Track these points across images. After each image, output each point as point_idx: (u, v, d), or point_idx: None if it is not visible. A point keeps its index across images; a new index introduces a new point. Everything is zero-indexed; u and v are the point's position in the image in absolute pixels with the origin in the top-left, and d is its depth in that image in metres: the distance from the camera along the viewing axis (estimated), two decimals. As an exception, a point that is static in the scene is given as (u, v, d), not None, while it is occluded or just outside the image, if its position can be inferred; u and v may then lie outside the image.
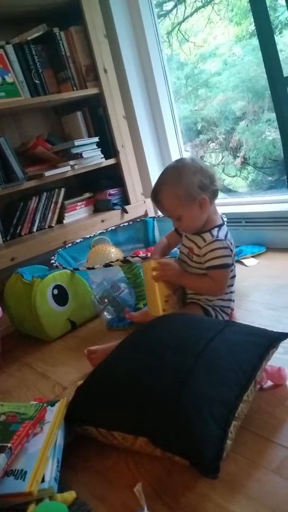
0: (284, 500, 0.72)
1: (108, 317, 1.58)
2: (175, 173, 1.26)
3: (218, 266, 1.23)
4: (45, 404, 0.96)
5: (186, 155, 2.49)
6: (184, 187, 1.23)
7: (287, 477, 0.76)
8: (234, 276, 1.35)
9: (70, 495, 0.81)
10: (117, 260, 1.53)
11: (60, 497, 0.80)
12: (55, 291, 1.58)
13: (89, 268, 1.62)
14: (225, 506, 0.74)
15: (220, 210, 1.88)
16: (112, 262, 1.54)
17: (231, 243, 1.28)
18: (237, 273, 1.77)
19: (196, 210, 1.26)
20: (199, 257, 1.28)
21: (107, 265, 1.54)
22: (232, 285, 1.34)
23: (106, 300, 1.56)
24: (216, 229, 1.28)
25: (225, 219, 1.67)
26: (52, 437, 0.88)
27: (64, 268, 1.66)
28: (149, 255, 1.60)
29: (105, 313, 1.58)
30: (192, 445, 0.79)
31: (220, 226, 1.30)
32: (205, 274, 1.27)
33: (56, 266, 1.68)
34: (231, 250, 1.26)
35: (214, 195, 1.28)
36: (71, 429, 0.96)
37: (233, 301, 1.37)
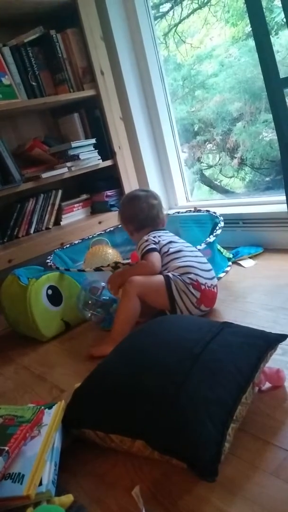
0: (282, 503, 0.72)
1: (95, 319, 1.58)
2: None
3: (143, 252, 1.51)
4: (42, 407, 0.96)
5: (183, 156, 2.50)
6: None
7: (286, 479, 0.76)
8: (178, 251, 1.51)
9: (68, 498, 0.81)
10: (108, 265, 1.54)
11: (58, 500, 0.79)
12: (49, 292, 1.60)
13: (79, 270, 1.63)
14: (224, 509, 0.73)
15: (218, 211, 1.90)
16: (102, 266, 1.55)
17: (154, 237, 1.56)
18: (234, 274, 1.78)
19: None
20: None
21: (98, 269, 1.54)
22: (179, 258, 1.48)
23: (90, 302, 1.56)
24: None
25: (222, 223, 1.70)
26: (50, 440, 0.88)
27: (57, 268, 1.66)
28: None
29: (92, 318, 1.58)
30: (190, 448, 0.79)
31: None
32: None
33: (50, 266, 1.68)
34: (152, 240, 1.54)
35: (140, 226, 1.64)
36: (68, 432, 0.96)
37: (196, 275, 1.43)
